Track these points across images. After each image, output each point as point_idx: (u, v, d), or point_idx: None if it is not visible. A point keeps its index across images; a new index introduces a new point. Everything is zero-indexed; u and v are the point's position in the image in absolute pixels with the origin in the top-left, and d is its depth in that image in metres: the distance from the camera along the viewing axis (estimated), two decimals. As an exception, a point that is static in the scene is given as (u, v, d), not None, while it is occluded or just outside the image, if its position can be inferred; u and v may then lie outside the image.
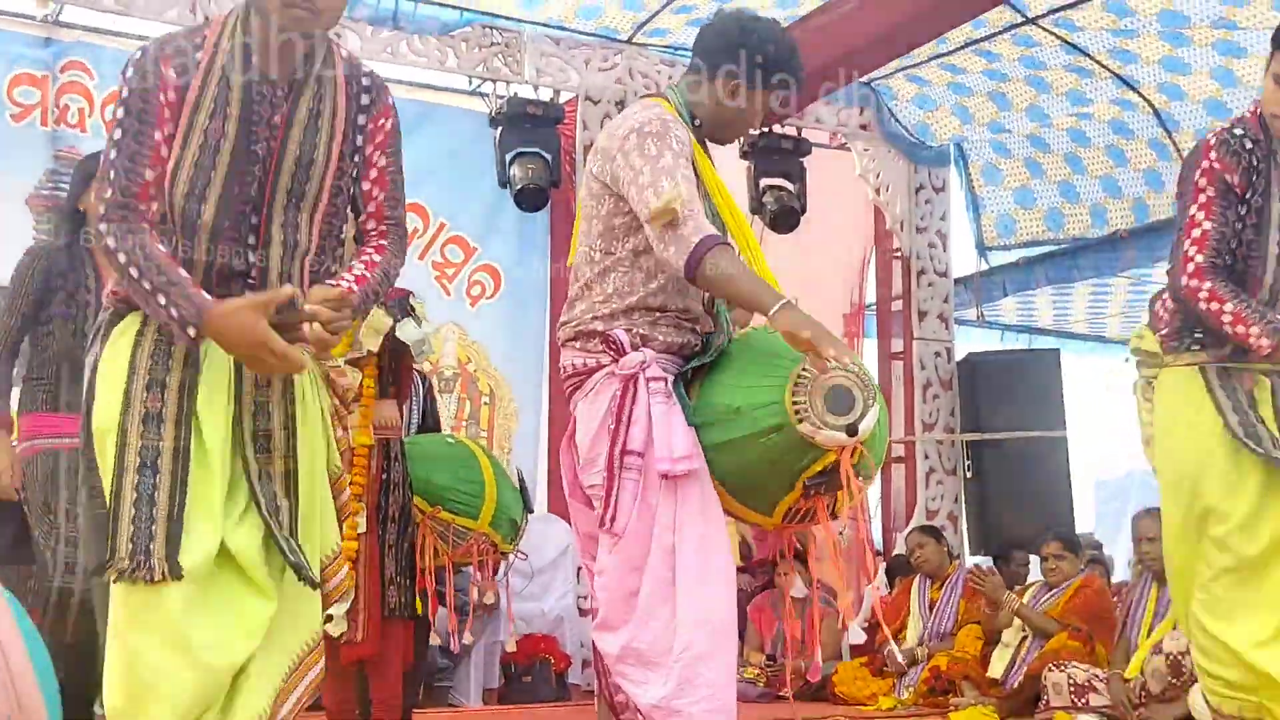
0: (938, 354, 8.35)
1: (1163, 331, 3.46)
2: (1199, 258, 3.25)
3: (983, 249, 8.86)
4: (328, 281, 2.48)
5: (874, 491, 8.06)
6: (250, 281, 2.43)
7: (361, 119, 2.54)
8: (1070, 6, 6.86)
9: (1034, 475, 7.98)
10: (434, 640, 4.71)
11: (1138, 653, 5.08)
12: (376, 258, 2.55)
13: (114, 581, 2.29)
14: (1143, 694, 4.90)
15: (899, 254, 8.44)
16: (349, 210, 2.59)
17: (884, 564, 7.55)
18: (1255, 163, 3.26)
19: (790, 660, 6.02)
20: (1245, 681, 3.23)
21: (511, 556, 4.63)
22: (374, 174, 2.57)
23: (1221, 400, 3.29)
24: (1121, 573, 9.11)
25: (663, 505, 2.75)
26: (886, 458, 7.16)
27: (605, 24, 7.06)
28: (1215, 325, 3.25)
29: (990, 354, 8.86)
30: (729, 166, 6.61)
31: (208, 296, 2.34)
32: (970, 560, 7.76)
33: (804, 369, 2.68)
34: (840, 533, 3.09)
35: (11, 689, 2.14)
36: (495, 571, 4.67)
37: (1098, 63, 7.35)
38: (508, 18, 6.87)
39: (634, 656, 2.76)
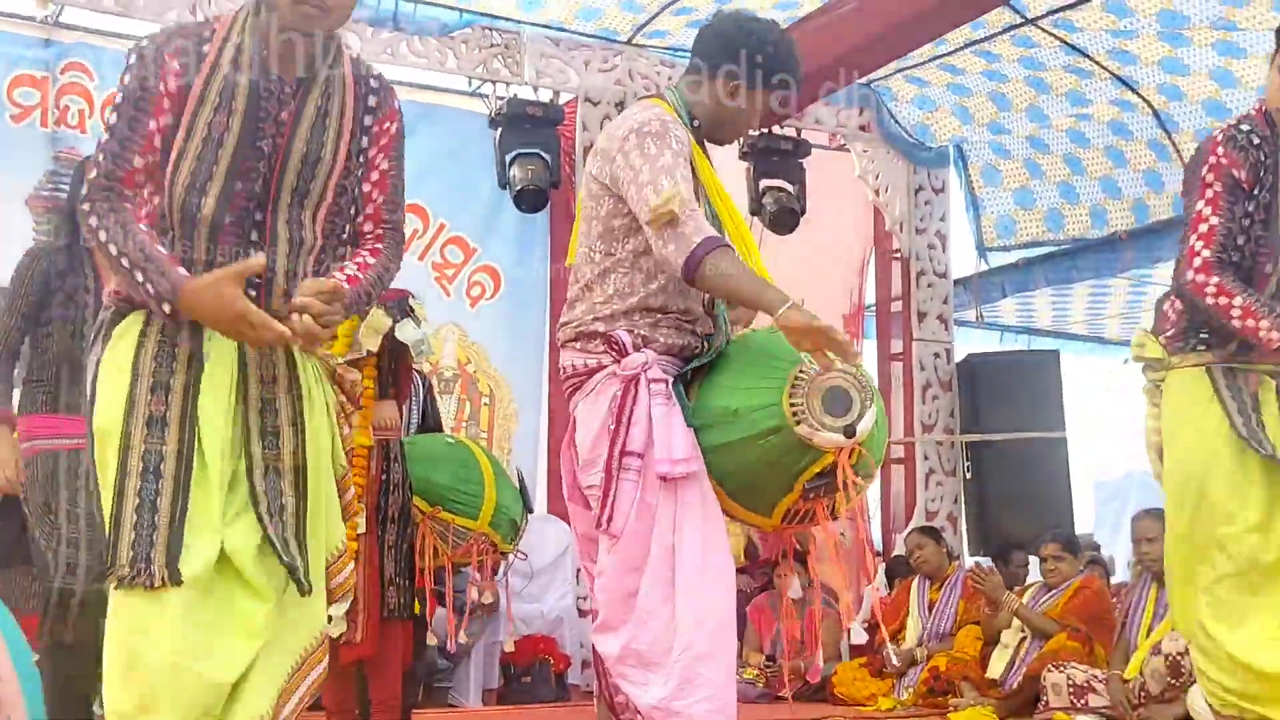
0: (937, 355, 8.35)
1: (1168, 333, 3.44)
2: (1206, 252, 3.22)
3: (982, 250, 8.86)
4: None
5: (873, 492, 8.06)
6: (255, 279, 2.40)
7: (368, 120, 2.54)
8: (1070, 7, 6.86)
9: (1033, 476, 7.99)
10: (432, 640, 4.71)
11: (1137, 653, 5.08)
12: (371, 260, 2.53)
13: (114, 588, 2.27)
14: (1142, 695, 4.90)
15: (898, 255, 8.44)
16: (351, 210, 2.57)
17: (883, 565, 7.56)
18: (1263, 158, 3.24)
19: (789, 661, 6.03)
20: (1246, 689, 3.22)
21: (511, 556, 4.63)
22: (375, 176, 2.56)
23: (1228, 401, 3.28)
24: (1122, 573, 9.12)
25: (663, 506, 2.75)
26: (886, 458, 7.15)
27: (605, 25, 7.06)
28: (1223, 320, 3.22)
29: (990, 355, 8.87)
30: (729, 167, 6.62)
31: (184, 272, 2.32)
32: (970, 561, 7.76)
33: (801, 370, 2.68)
34: (841, 534, 3.09)
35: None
36: (495, 572, 4.67)
37: (1097, 64, 7.36)
38: (507, 19, 6.87)
39: (634, 657, 2.76)
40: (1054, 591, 5.80)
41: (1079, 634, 5.47)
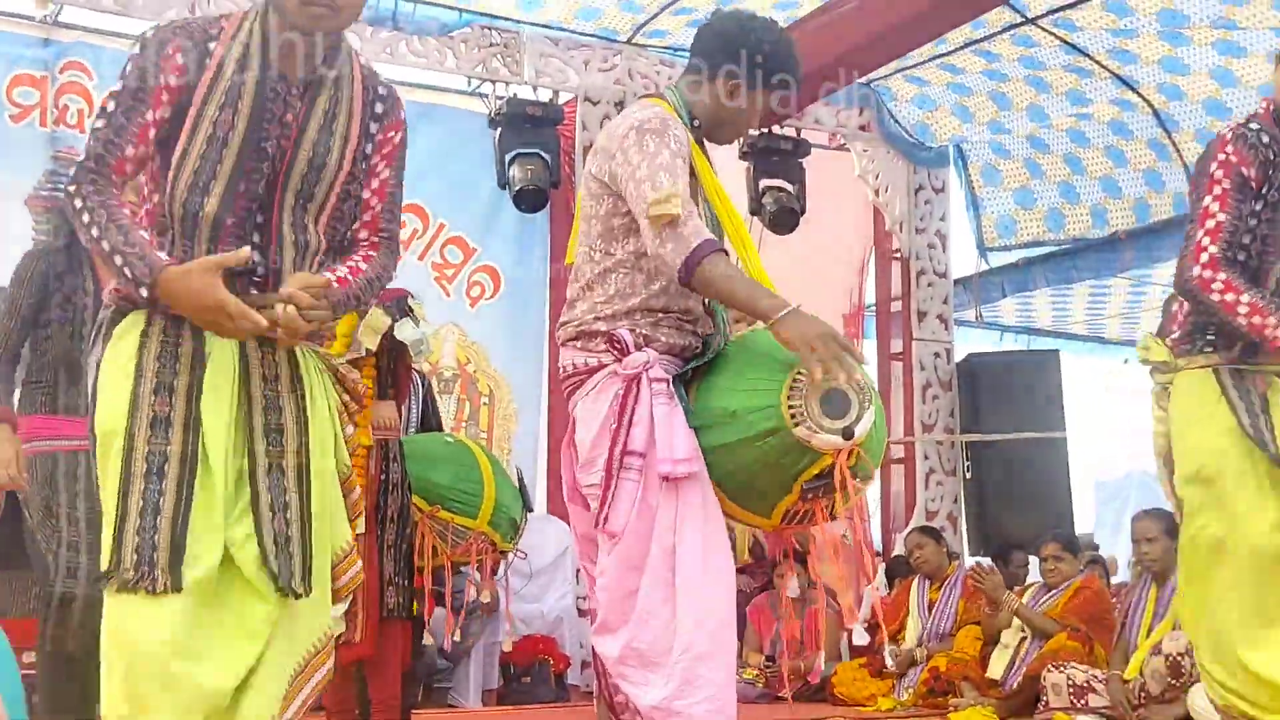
0: (937, 355, 8.35)
1: (1175, 334, 3.43)
2: (1213, 248, 3.20)
3: (983, 249, 8.86)
4: None
5: (873, 492, 8.06)
6: (257, 280, 2.39)
7: (374, 127, 2.52)
8: (1070, 6, 6.86)
9: (1033, 476, 8.00)
10: (430, 641, 4.70)
11: (1137, 653, 5.08)
12: (363, 265, 2.51)
13: (115, 591, 2.25)
14: (1142, 695, 4.89)
15: (898, 255, 8.44)
16: (351, 216, 2.55)
17: (883, 565, 7.56)
18: (1272, 157, 3.23)
19: (788, 661, 6.03)
20: (1257, 699, 3.21)
21: (511, 556, 4.63)
22: (375, 184, 2.54)
23: (1235, 401, 3.27)
24: (1123, 574, 9.11)
25: (663, 506, 2.74)
26: (886, 458, 7.16)
27: (604, 25, 7.06)
28: (1229, 316, 3.19)
29: (989, 355, 8.88)
30: (729, 167, 6.61)
31: (163, 257, 2.29)
32: (970, 561, 7.76)
33: (800, 372, 2.68)
34: (844, 535, 3.09)
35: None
36: (494, 571, 4.67)
37: (1097, 63, 7.36)
38: (507, 19, 6.87)
39: (634, 657, 2.75)
40: (1054, 591, 5.80)
41: (1079, 634, 5.47)
